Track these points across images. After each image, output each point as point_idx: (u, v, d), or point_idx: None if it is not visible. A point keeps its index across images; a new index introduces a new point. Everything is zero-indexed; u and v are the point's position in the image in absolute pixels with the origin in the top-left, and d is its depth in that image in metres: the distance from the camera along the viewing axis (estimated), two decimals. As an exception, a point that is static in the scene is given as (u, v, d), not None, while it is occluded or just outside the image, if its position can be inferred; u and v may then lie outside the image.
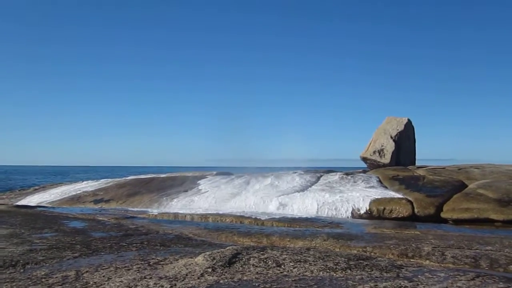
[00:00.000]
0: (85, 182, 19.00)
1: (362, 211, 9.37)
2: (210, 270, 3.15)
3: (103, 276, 3.05)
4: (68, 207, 11.25)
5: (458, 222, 8.66)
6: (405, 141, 16.76)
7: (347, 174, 14.19)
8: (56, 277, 3.04)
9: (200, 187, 13.87)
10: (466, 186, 10.90)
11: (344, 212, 9.43)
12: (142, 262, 3.48)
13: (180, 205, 11.67)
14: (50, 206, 11.79)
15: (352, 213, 9.39)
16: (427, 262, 3.80)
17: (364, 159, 16.56)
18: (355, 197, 10.04)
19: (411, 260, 3.88)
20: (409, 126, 17.13)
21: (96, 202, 13.29)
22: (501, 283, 2.88)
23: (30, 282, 2.91)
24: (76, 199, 13.91)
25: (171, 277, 3.00)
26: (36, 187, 19.14)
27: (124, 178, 21.25)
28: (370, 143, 16.55)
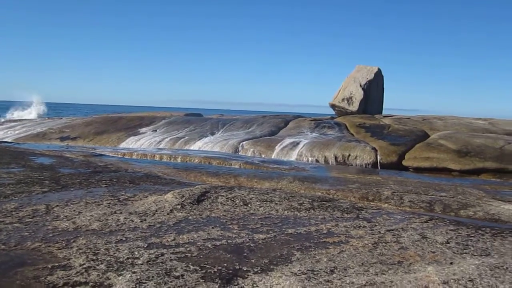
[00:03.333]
0: (50, 119, 18.61)
1: (327, 157, 9.62)
2: (179, 207, 3.26)
3: (74, 211, 3.11)
4: (33, 143, 11.08)
5: (418, 170, 9.05)
6: (373, 90, 17.01)
7: (314, 120, 14.41)
8: (26, 210, 3.08)
9: (165, 127, 13.84)
10: (429, 136, 11.29)
11: (310, 157, 9.66)
12: (112, 198, 3.55)
13: (148, 143, 11.66)
14: (15, 142, 11.57)
15: (317, 158, 9.64)
16: (386, 205, 4.02)
17: (333, 106, 16.77)
18: (322, 143, 10.27)
19: (371, 203, 4.09)
20: (378, 75, 17.32)
21: (62, 139, 13.12)
22: (451, 225, 3.10)
23: (0, 215, 2.95)
24: (41, 135, 13.68)
25: (141, 212, 3.09)
26: (-1, 122, 18.62)
27: (90, 116, 20.89)
28: (339, 91, 16.72)
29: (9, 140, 12.06)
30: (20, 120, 19.13)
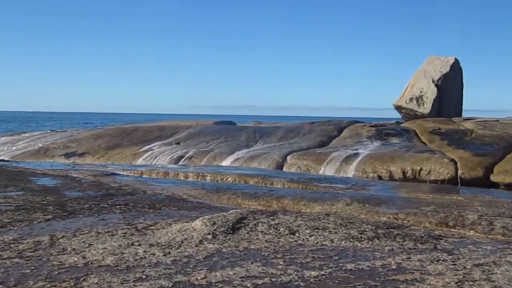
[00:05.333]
0: (53, 132, 19.18)
1: (393, 172, 9.48)
2: (210, 236, 3.27)
3: (83, 242, 3.17)
4: (34, 161, 11.44)
5: None
6: (450, 86, 16.68)
7: (375, 126, 14.25)
8: (27, 243, 3.16)
9: (191, 139, 14.00)
10: (524, 143, 10.95)
11: (371, 172, 9.55)
12: (129, 227, 3.61)
13: (169, 159, 11.83)
14: (12, 160, 11.98)
15: (380, 174, 9.52)
16: (471, 232, 3.91)
17: (399, 108, 16.57)
18: (386, 155, 10.13)
19: (452, 230, 3.98)
20: (456, 68, 16.99)
21: (68, 156, 13.50)
22: (559, 258, 2.97)
23: (-4, 248, 3.04)
24: (43, 152, 14.13)
25: (164, 244, 3.12)
26: (-6, 137, 19.36)
27: (101, 127, 21.40)
28: (407, 88, 16.50)
29: (6, 158, 12.49)
30: (18, 133, 19.81)
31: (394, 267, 2.74)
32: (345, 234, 3.43)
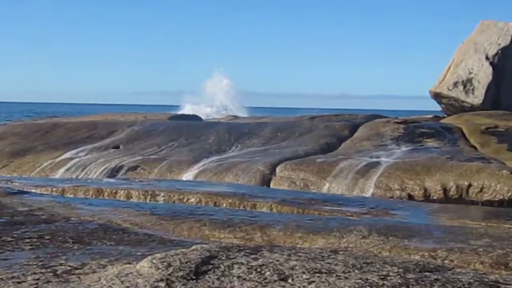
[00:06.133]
0: None
1: (429, 189, 9.53)
2: (163, 284, 3.24)
3: (-24, 293, 3.14)
4: None
5: None
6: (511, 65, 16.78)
7: (404, 122, 14.32)
8: None
9: (135, 141, 13.96)
10: None
11: (397, 190, 9.58)
12: (43, 270, 3.57)
13: (104, 170, 11.77)
14: None
15: (410, 192, 9.55)
16: (542, 277, 3.93)
17: (437, 95, 16.62)
18: (419, 164, 10.18)
19: (514, 273, 4.01)
20: (520, 39, 17.07)
21: (-46, 165, 13.36)
22: None
23: None
24: None
25: (95, 296, 3.09)
26: None
27: (4, 123, 21.28)
28: (449, 69, 16.55)
29: None
30: None
31: (430, 328, 2.75)
32: (359, 281, 3.42)
